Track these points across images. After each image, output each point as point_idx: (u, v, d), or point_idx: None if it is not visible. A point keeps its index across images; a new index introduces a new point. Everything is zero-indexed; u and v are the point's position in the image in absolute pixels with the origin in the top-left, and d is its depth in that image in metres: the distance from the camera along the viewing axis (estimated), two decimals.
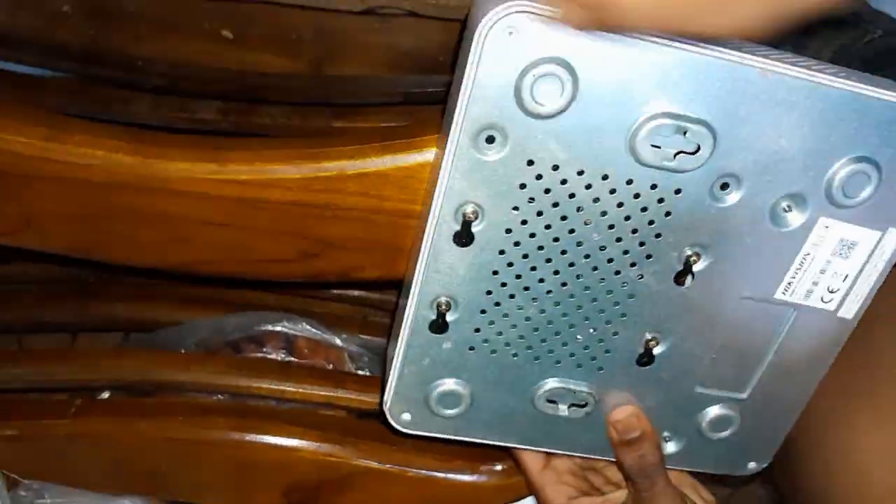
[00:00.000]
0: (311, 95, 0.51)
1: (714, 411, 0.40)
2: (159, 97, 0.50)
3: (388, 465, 0.48)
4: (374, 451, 0.48)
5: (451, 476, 0.49)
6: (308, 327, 0.54)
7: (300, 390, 0.51)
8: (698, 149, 0.30)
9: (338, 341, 0.56)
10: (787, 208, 0.33)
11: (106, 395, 0.54)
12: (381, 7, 0.47)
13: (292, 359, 0.55)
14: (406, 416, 0.40)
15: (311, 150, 0.36)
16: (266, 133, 0.49)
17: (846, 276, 0.35)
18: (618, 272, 0.34)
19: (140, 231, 0.38)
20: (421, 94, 0.56)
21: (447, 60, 0.54)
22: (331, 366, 0.55)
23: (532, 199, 0.32)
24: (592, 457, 0.42)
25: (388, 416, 0.40)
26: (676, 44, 0.28)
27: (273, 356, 0.55)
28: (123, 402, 0.48)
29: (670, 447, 0.42)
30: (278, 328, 0.54)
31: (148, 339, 0.58)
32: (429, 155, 0.35)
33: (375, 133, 0.38)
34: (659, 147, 0.30)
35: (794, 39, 0.82)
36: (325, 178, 0.36)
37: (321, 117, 0.48)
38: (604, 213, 0.32)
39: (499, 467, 0.49)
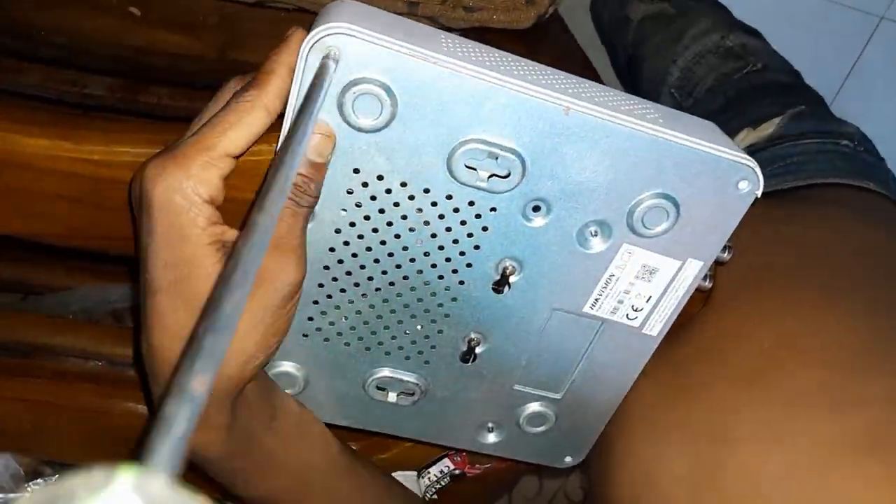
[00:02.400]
0: (202, 79, 0.53)
1: (532, 408, 0.43)
2: (52, 69, 0.51)
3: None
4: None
5: None
6: None
7: None
8: (509, 173, 0.33)
9: None
10: (593, 233, 0.36)
11: None
12: (270, 1, 0.49)
13: None
14: None
15: (163, 136, 0.38)
16: (151, 113, 0.50)
17: (649, 298, 0.38)
18: (441, 276, 0.37)
19: None
20: None
21: None
22: None
23: (359, 205, 0.34)
24: (418, 439, 0.45)
25: None
26: (489, 78, 0.31)
27: None
28: None
29: (493, 437, 0.45)
30: None
31: (36, 303, 0.59)
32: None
33: None
34: (474, 169, 0.33)
35: (682, 66, 0.85)
36: None
37: (206, 101, 0.50)
38: (426, 223, 0.35)
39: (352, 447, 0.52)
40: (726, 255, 0.37)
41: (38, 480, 0.56)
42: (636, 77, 0.93)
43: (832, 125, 0.66)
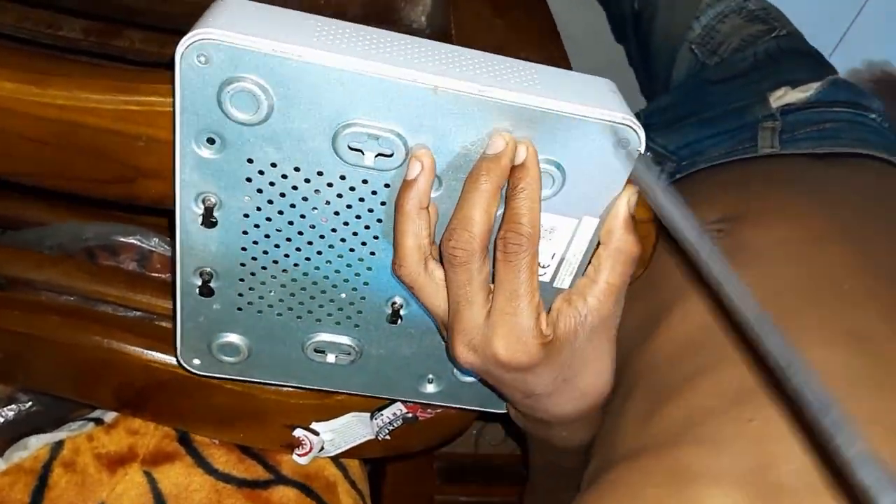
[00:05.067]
0: (177, 23, 0.53)
1: None
2: (28, 9, 0.52)
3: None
4: None
5: (265, 390, 0.54)
6: (159, 242, 0.58)
7: (144, 300, 0.55)
8: (393, 153, 0.35)
9: None
10: None
11: None
12: None
13: (144, 271, 0.59)
14: (196, 361, 0.46)
15: (126, 83, 0.39)
16: (123, 57, 0.52)
17: (553, 254, 0.40)
18: (352, 249, 0.40)
19: None
20: None
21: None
22: None
23: (260, 191, 0.37)
24: (364, 395, 0.49)
25: (182, 362, 0.46)
26: (354, 67, 0.33)
27: (125, 266, 0.59)
28: None
29: (432, 388, 0.48)
30: (131, 240, 0.58)
31: (13, 237, 0.61)
32: None
33: None
34: (360, 150, 0.35)
35: (705, 24, 0.86)
36: (136, 111, 0.39)
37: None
38: (327, 202, 0.37)
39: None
40: None
41: (12, 406, 0.59)
42: (645, 30, 0.93)
43: (862, 98, 0.69)
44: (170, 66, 0.35)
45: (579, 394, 0.41)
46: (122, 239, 0.58)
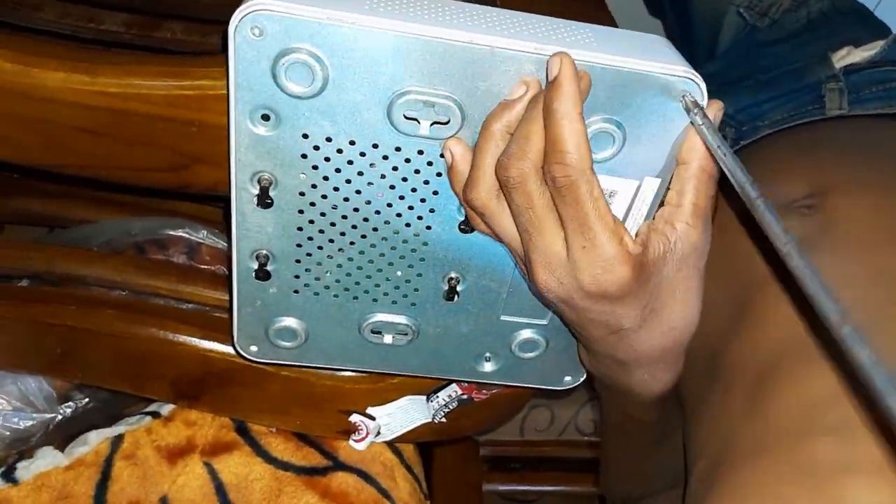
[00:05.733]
0: (216, 14, 0.53)
1: (522, 335, 0.45)
2: (69, 5, 0.52)
3: (263, 364, 0.53)
4: None
5: (321, 376, 0.54)
6: (207, 234, 0.58)
7: (195, 292, 0.56)
8: (449, 119, 0.34)
9: None
10: None
11: (24, 283, 0.59)
12: None
13: (193, 263, 0.59)
14: (253, 348, 0.46)
15: (177, 69, 0.39)
16: (165, 48, 0.52)
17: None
18: (408, 224, 0.39)
19: (23, 135, 0.42)
20: None
21: None
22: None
23: (316, 167, 0.37)
24: (422, 376, 0.48)
25: (239, 349, 0.46)
26: (405, 31, 0.32)
27: (175, 259, 0.59)
28: (25, 289, 0.52)
29: (490, 366, 0.47)
30: (180, 233, 0.58)
31: (62, 235, 0.62)
32: None
33: None
34: (415, 119, 0.34)
35: None
36: (187, 96, 0.39)
37: (218, 35, 0.51)
38: (383, 176, 0.37)
39: (362, 374, 0.54)
40: None
41: (69, 404, 0.59)
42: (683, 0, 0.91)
43: None
44: (213, 53, 0.35)
45: (667, 328, 0.38)
46: (171, 232, 0.58)
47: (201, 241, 0.59)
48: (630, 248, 0.34)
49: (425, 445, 0.79)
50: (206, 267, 0.60)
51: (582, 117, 0.32)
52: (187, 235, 0.58)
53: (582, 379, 0.48)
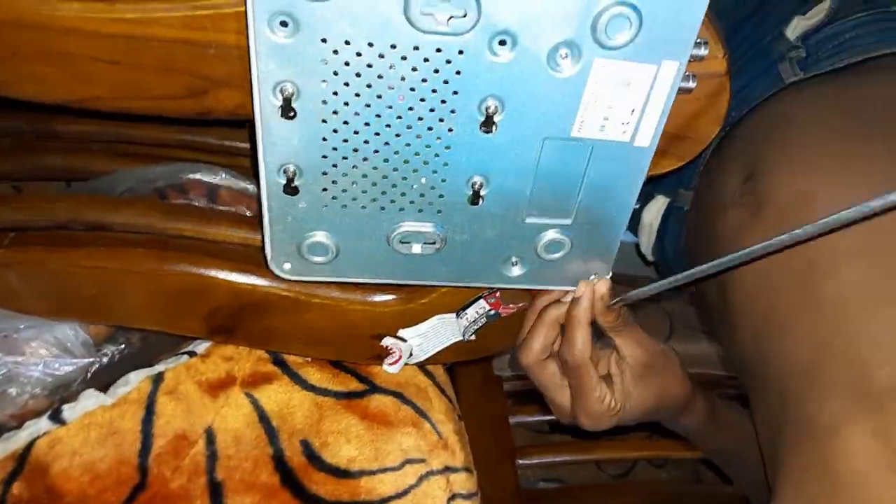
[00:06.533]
0: None
1: (548, 236, 0.46)
2: None
3: (294, 292, 0.54)
4: (281, 281, 0.53)
5: (352, 302, 0.55)
6: (226, 176, 0.59)
7: (220, 232, 0.56)
8: (466, 12, 0.35)
9: (256, 190, 0.60)
10: (563, 56, 0.37)
11: None
12: None
13: (214, 206, 0.60)
14: (287, 266, 0.47)
15: None
16: None
17: (633, 109, 0.39)
18: (430, 128, 0.40)
19: (44, 69, 0.42)
20: None
21: None
22: (249, 213, 0.60)
23: (336, 73, 0.37)
24: (451, 284, 0.50)
25: (273, 268, 0.47)
26: None
27: (196, 203, 0.60)
28: (53, 234, 0.53)
29: (517, 270, 0.48)
30: (199, 176, 0.58)
31: (83, 187, 0.62)
32: None
33: None
34: (432, 14, 0.34)
35: None
36: (203, 16, 0.39)
37: None
38: (402, 78, 0.37)
39: (392, 296, 0.55)
40: (703, 51, 0.38)
41: (106, 350, 0.60)
42: None
43: None
44: None
45: (639, 410, 0.53)
46: (190, 176, 0.59)
47: (219, 183, 0.60)
48: (609, 404, 0.51)
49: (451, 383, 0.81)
50: (226, 208, 0.60)
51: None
52: (206, 178, 0.59)
53: (608, 276, 0.49)
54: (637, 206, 0.77)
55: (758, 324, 0.54)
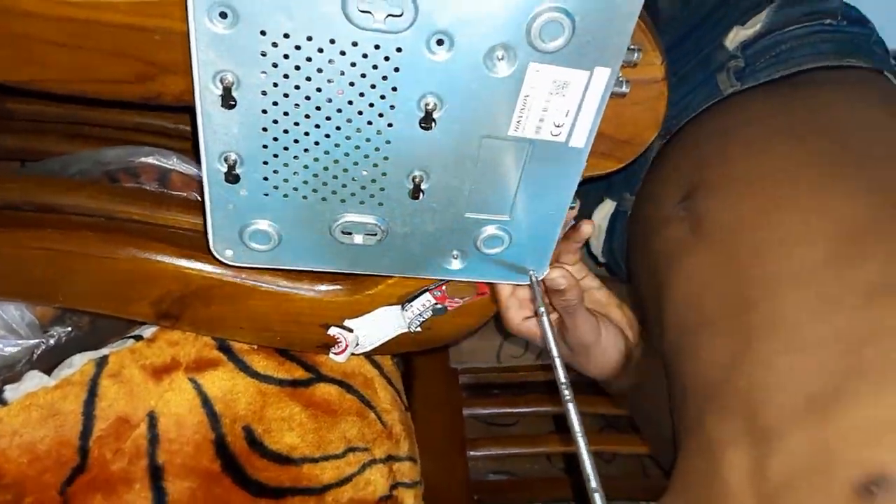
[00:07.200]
0: None
1: (487, 231, 0.47)
2: None
3: (241, 279, 0.54)
4: (228, 267, 0.54)
5: (299, 290, 0.56)
6: (178, 160, 0.59)
7: (169, 216, 0.57)
8: (402, 11, 0.35)
9: None
10: (499, 57, 0.38)
11: None
12: None
13: (165, 190, 0.60)
14: (228, 252, 0.47)
15: None
16: None
17: (567, 112, 0.41)
18: (370, 122, 0.40)
19: (5, 51, 0.42)
20: None
21: None
22: (200, 198, 0.60)
23: (276, 65, 0.38)
24: (393, 275, 0.50)
25: (215, 253, 0.47)
26: None
27: (147, 187, 0.60)
28: (4, 214, 0.53)
29: (458, 263, 0.49)
30: (150, 160, 0.59)
31: (36, 167, 0.62)
32: None
33: None
34: (369, 12, 0.35)
35: None
36: (150, 2, 0.40)
37: None
38: (342, 73, 0.38)
39: (338, 287, 0.56)
40: (636, 57, 0.39)
41: (52, 333, 0.60)
42: None
43: (815, 5, 0.66)
44: None
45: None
46: (142, 160, 0.59)
47: (172, 167, 0.60)
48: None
49: (406, 376, 0.81)
50: (177, 193, 0.61)
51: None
52: (157, 162, 0.59)
53: (545, 273, 0.50)
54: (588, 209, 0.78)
55: (683, 334, 0.55)
